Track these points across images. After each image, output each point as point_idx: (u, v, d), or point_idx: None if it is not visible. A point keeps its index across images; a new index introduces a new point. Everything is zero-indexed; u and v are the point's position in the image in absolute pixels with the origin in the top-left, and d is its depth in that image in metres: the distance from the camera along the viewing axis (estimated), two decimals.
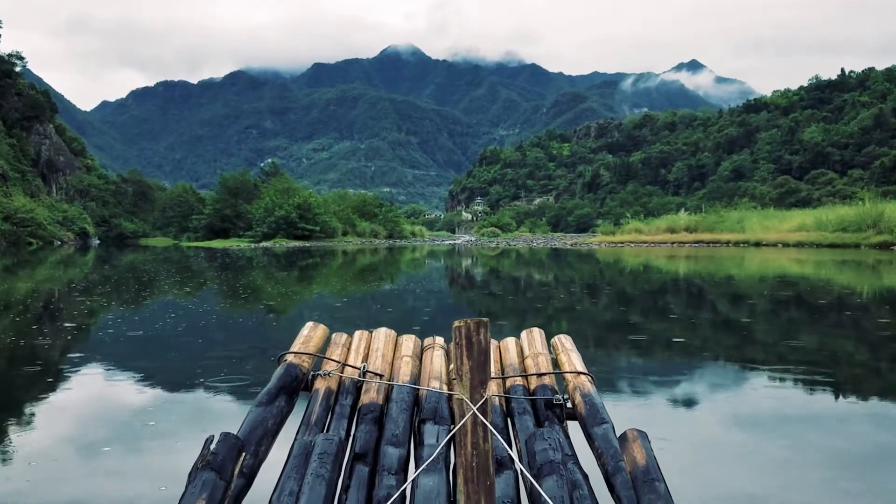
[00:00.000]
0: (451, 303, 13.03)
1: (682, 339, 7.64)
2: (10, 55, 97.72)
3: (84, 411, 4.82)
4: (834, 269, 19.00)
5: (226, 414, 4.53)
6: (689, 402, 4.93)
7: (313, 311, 11.12)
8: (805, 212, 39.29)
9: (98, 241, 79.87)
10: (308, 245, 56.40)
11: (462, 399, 2.08)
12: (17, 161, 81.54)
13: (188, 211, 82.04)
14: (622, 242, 44.51)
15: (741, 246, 33.97)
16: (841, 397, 5.04)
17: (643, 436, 2.52)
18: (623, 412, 4.39)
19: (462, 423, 2.04)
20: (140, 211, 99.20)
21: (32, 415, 4.70)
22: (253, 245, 57.99)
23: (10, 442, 4.04)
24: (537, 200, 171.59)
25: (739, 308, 10.83)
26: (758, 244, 33.60)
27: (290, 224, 65.62)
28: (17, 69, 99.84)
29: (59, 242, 69.68)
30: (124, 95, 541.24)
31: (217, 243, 64.66)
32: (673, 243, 40.17)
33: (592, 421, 2.77)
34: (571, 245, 45.73)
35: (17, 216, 64.26)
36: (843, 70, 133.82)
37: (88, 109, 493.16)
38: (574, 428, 2.91)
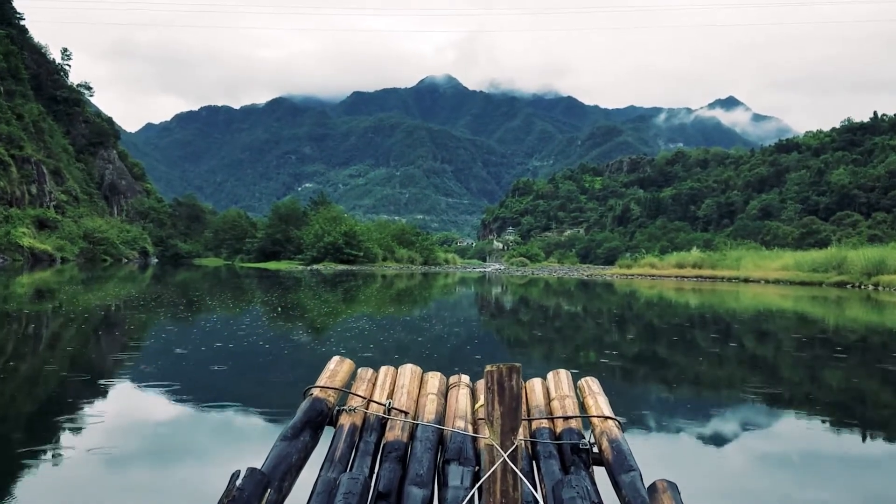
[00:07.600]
0: (475, 321, 16.72)
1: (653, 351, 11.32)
2: (79, 85, 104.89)
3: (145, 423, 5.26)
4: (797, 301, 22.27)
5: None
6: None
7: (355, 326, 12.92)
8: (790, 252, 43.67)
9: (156, 260, 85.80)
10: (353, 269, 61.06)
11: (492, 445, 2.13)
12: (86, 184, 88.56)
13: (241, 234, 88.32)
14: (633, 275, 48.56)
15: (732, 281, 37.96)
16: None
17: (673, 487, 2.50)
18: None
19: (492, 470, 2.10)
20: (192, 232, 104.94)
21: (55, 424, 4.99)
22: (301, 267, 63.07)
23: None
24: (568, 232, 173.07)
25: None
26: (746, 280, 37.74)
27: (336, 249, 70.64)
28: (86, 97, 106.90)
29: (126, 260, 75.82)
30: (168, 118, 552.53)
31: (271, 265, 69.82)
32: (678, 277, 44.06)
33: (619, 468, 2.73)
34: (587, 276, 49.83)
35: (94, 235, 70.85)
36: (875, 113, 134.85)
37: (133, 131, 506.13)
38: (600, 473, 2.89)
